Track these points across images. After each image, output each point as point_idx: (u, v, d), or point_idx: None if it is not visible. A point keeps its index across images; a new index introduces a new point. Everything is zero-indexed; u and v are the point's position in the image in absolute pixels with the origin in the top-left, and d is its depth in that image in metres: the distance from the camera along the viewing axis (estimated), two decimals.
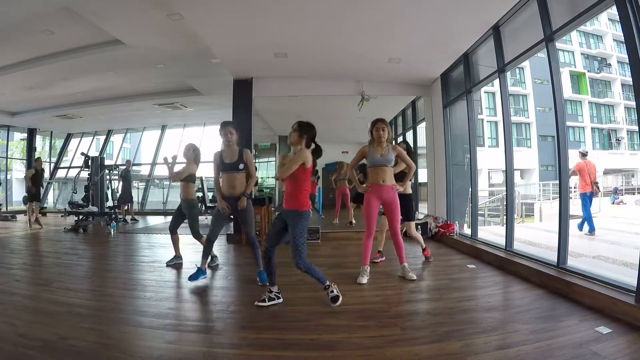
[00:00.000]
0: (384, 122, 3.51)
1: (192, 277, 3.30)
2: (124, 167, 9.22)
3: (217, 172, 3.39)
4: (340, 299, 2.72)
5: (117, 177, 9.50)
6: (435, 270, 3.91)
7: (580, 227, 6.03)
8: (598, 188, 6.30)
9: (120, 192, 9.13)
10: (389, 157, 3.47)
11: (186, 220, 4.10)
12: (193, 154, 4.09)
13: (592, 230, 6.06)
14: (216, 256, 4.08)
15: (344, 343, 2.13)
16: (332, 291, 2.72)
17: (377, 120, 3.52)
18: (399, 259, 3.56)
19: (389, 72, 5.83)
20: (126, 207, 9.15)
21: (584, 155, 6.24)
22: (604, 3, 2.75)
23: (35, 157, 9.26)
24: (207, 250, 3.40)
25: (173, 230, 4.16)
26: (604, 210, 10.26)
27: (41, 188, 8.35)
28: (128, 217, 9.01)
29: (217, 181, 3.45)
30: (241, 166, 3.27)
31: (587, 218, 6.11)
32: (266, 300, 2.74)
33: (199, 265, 3.38)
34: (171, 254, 4.21)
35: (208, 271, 3.57)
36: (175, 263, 4.11)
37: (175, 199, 12.64)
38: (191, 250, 4.65)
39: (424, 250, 4.25)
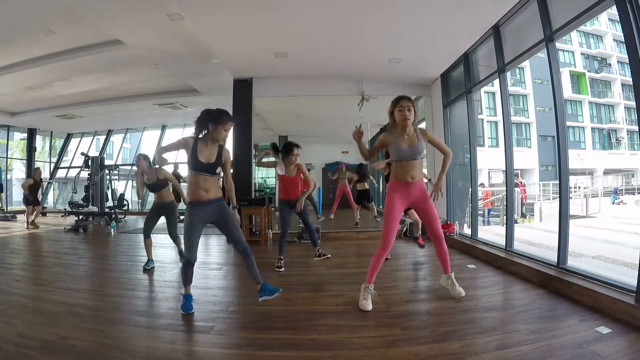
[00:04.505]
0: (410, 100, 2.62)
1: (186, 308, 2.60)
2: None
3: (172, 149, 2.70)
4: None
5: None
6: (435, 270, 3.88)
7: None
8: None
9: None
10: (418, 148, 2.64)
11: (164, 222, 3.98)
12: (146, 163, 3.89)
13: None
14: (152, 259, 3.96)
15: (344, 343, 2.12)
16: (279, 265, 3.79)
17: (400, 98, 2.61)
18: (443, 268, 2.87)
19: (389, 72, 5.82)
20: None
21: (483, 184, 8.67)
22: (604, 3, 2.75)
23: (35, 167, 9.26)
24: (188, 274, 2.64)
25: (148, 233, 3.93)
26: (604, 210, 10.26)
27: (40, 194, 8.31)
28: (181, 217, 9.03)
29: (161, 152, 2.70)
30: (218, 170, 2.64)
31: None
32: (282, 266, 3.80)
33: (182, 293, 2.67)
34: (165, 254, 4.18)
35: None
36: (151, 267, 3.91)
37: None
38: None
39: (417, 238, 4.29)
